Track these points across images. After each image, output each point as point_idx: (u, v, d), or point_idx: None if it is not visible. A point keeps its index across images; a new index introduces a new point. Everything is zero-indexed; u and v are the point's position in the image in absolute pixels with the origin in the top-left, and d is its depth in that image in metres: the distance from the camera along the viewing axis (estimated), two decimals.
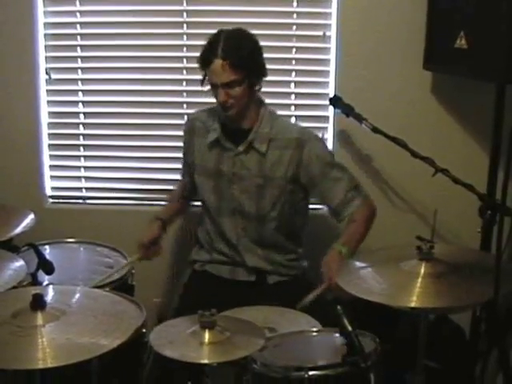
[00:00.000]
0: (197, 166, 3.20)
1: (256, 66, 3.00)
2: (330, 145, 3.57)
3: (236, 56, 2.89)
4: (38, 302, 2.06)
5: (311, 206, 3.41)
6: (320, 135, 3.34)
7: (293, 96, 3.66)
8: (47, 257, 2.65)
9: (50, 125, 3.77)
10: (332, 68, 3.58)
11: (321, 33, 3.56)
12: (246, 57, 2.92)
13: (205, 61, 2.97)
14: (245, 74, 2.93)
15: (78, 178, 3.85)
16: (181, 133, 3.36)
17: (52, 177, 3.84)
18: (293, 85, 3.66)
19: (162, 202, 3.64)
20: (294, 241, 3.24)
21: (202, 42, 3.03)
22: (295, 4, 3.56)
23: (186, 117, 3.53)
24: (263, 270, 3.16)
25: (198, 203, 3.36)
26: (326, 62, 3.59)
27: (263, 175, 3.08)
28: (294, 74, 3.64)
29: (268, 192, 3.09)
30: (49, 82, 3.72)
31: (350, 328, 2.17)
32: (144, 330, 2.47)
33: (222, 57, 2.89)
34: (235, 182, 3.10)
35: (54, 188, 3.85)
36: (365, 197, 3.10)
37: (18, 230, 3.01)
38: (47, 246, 3.12)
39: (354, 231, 3.02)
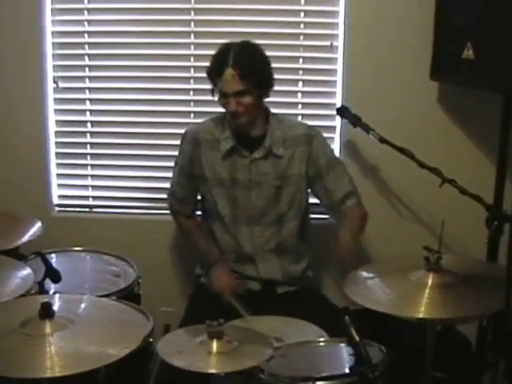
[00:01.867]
0: (209, 179, 3.19)
1: (265, 77, 3.04)
2: (336, 154, 3.57)
3: (246, 66, 2.94)
4: (47, 311, 2.07)
5: (316, 216, 3.42)
6: None
7: (300, 106, 3.66)
8: (54, 265, 2.66)
9: (58, 133, 3.77)
10: (339, 78, 3.58)
11: (328, 43, 3.56)
12: (256, 67, 2.98)
13: (216, 70, 3.00)
14: (254, 84, 2.97)
15: (85, 186, 3.85)
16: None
17: (59, 185, 3.83)
18: (300, 95, 3.66)
19: (168, 211, 3.66)
20: (305, 245, 3.27)
21: (210, 52, 3.05)
22: (302, 14, 3.56)
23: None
24: (272, 281, 3.16)
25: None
26: (333, 72, 3.60)
27: (280, 176, 3.12)
28: (301, 83, 3.65)
29: (285, 191, 3.14)
30: (56, 90, 3.72)
31: (357, 338, 2.17)
32: (151, 339, 2.47)
33: (233, 66, 2.93)
34: (252, 189, 3.13)
35: (60, 196, 3.85)
36: (359, 200, 3.19)
37: (25, 238, 3.03)
38: (54, 255, 3.11)
39: (351, 226, 3.08)
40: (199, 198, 3.33)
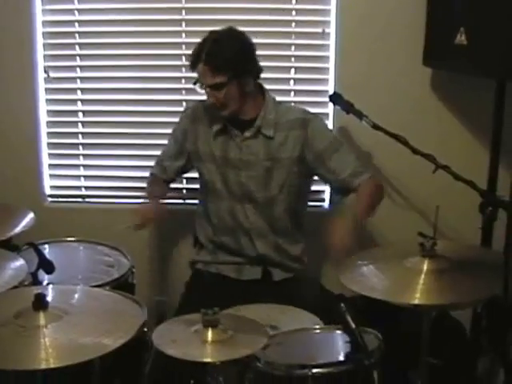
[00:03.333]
0: (202, 155, 3.20)
1: (243, 66, 3.00)
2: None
3: (217, 60, 2.93)
4: (41, 302, 2.05)
5: (315, 204, 3.42)
6: None
7: (292, 93, 3.65)
8: (47, 256, 2.64)
9: (49, 123, 3.76)
10: (331, 65, 3.57)
11: (320, 30, 3.55)
12: (229, 60, 2.94)
13: (192, 64, 3.02)
14: (230, 76, 2.95)
15: (78, 176, 3.84)
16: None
17: (51, 176, 3.83)
18: (292, 82, 3.65)
19: (161, 200, 3.66)
20: (299, 230, 3.26)
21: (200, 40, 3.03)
22: (294, 1, 3.55)
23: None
24: (269, 261, 3.16)
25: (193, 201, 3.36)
26: (325, 58, 3.59)
27: (270, 158, 3.10)
28: (293, 71, 3.64)
29: (275, 174, 3.12)
30: (47, 80, 3.70)
31: (353, 325, 2.17)
32: (145, 329, 2.46)
33: (205, 62, 2.94)
34: (242, 169, 3.12)
35: (53, 187, 3.84)
36: (372, 175, 3.16)
37: (18, 229, 3.00)
38: (47, 245, 3.10)
39: (361, 198, 3.05)
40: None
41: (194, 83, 3.06)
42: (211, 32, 3.03)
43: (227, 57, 2.94)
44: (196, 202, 3.47)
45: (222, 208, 3.19)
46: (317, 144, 3.10)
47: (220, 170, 3.16)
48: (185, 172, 3.43)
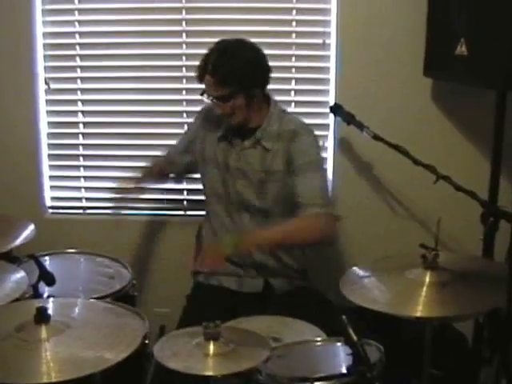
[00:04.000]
0: (207, 157, 3.19)
1: (251, 79, 2.96)
2: (330, 153, 3.58)
3: (224, 73, 2.89)
4: (42, 316, 2.05)
5: None
6: (320, 143, 3.32)
7: (293, 104, 3.65)
8: (48, 268, 2.63)
9: (50, 135, 3.76)
10: (332, 76, 3.57)
11: (320, 41, 3.55)
12: (238, 71, 2.90)
13: (198, 76, 2.99)
14: (238, 87, 2.92)
15: (78, 188, 3.84)
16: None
17: (52, 187, 3.82)
18: (293, 93, 3.65)
19: (162, 212, 3.67)
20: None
21: (202, 51, 3.01)
22: (294, 12, 3.56)
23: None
24: (269, 272, 3.14)
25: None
26: (325, 69, 3.59)
27: (265, 170, 3.07)
28: (293, 82, 3.64)
29: (269, 187, 3.08)
30: (48, 91, 3.71)
31: (355, 338, 2.16)
32: (147, 341, 2.45)
33: (211, 73, 2.91)
34: (239, 177, 3.10)
35: (53, 198, 3.84)
36: (328, 213, 3.00)
37: (18, 241, 2.99)
38: (47, 257, 3.09)
39: (275, 228, 2.99)
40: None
41: (201, 94, 3.03)
42: (218, 42, 2.99)
43: (234, 69, 2.90)
44: (197, 213, 3.46)
45: (223, 213, 3.18)
46: (296, 158, 3.01)
47: (222, 176, 3.14)
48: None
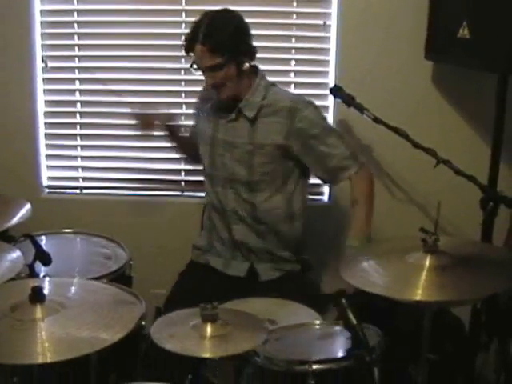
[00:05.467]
0: (200, 137, 3.20)
1: (240, 47, 2.95)
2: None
3: (215, 41, 2.88)
4: (38, 295, 2.02)
5: (314, 197, 3.38)
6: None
7: (292, 85, 3.62)
8: (44, 248, 2.62)
9: (47, 114, 3.74)
10: (332, 57, 3.55)
11: (321, 22, 3.52)
12: (227, 40, 2.90)
13: (187, 46, 2.97)
14: (228, 57, 2.91)
15: (75, 167, 3.82)
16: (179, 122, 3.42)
17: (48, 166, 3.80)
18: (292, 74, 3.63)
19: (160, 192, 3.65)
20: (291, 224, 3.17)
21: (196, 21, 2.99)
22: None
23: (184, 106, 3.59)
24: (251, 251, 3.13)
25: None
26: (326, 51, 3.56)
27: (252, 142, 3.05)
28: (293, 63, 3.62)
29: (257, 159, 3.06)
30: (45, 70, 3.67)
31: (354, 321, 2.14)
32: (143, 323, 2.44)
33: (203, 42, 2.89)
34: (227, 150, 3.09)
35: (50, 178, 3.82)
36: (361, 164, 3.09)
37: (15, 220, 2.97)
38: (44, 237, 3.08)
39: (360, 215, 3.03)
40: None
41: (191, 66, 3.00)
42: (206, 13, 2.97)
43: (225, 37, 2.90)
44: (194, 194, 3.44)
45: (212, 189, 3.17)
46: (304, 135, 3.01)
47: (210, 152, 3.15)
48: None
